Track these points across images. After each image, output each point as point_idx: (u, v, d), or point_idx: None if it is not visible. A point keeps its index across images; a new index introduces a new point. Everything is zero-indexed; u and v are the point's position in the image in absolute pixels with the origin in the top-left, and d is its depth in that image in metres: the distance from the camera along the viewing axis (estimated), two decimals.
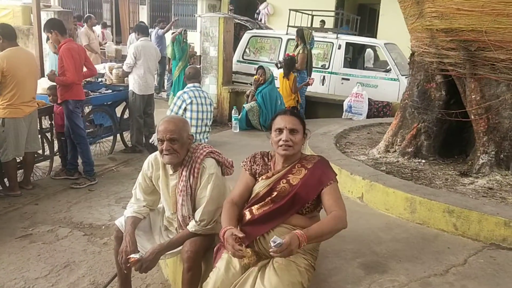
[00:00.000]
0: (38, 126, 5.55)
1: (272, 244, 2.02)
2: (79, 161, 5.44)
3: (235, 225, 2.29)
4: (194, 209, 2.67)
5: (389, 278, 2.49)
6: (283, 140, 2.32)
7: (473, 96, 3.90)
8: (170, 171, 2.70)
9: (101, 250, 3.65)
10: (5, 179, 4.85)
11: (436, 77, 4.24)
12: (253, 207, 2.38)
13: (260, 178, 2.43)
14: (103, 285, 3.06)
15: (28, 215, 4.31)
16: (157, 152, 2.70)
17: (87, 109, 6.19)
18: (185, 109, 5.26)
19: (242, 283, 2.16)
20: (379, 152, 4.49)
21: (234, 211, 2.38)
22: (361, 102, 7.55)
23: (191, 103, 5.22)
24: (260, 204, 2.36)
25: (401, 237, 3.02)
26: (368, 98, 7.63)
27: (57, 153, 5.67)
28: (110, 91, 6.63)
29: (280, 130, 2.35)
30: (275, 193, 2.34)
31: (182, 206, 2.66)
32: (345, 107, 7.62)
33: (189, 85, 5.28)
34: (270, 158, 2.51)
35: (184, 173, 2.63)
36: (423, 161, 4.20)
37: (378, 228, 3.15)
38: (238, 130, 6.62)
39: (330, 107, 8.12)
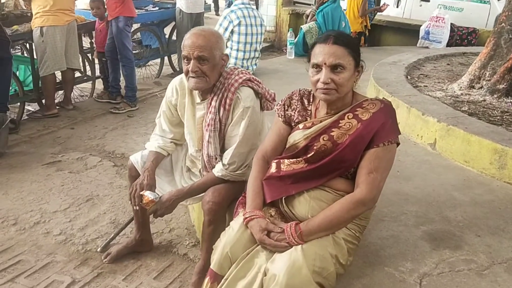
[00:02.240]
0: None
1: None
2: (122, 84, 5.10)
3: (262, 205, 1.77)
4: (222, 149, 2.16)
5: (464, 258, 1.89)
6: (321, 82, 1.63)
7: None
8: (198, 99, 2.18)
9: (128, 185, 3.31)
10: (43, 101, 4.62)
11: None
12: (282, 161, 1.79)
13: (296, 127, 1.81)
14: (121, 227, 2.72)
15: (61, 139, 4.06)
16: (184, 75, 2.15)
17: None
18: (232, 31, 4.63)
19: (257, 252, 1.64)
20: (460, 88, 3.68)
21: (263, 178, 1.83)
22: (441, 28, 6.47)
23: (239, 24, 4.57)
24: (291, 160, 1.77)
25: (484, 200, 2.35)
26: (451, 24, 6.51)
27: (99, 76, 5.35)
28: (157, 8, 6.13)
29: (318, 67, 1.65)
30: (311, 153, 1.71)
31: (209, 144, 2.15)
32: (421, 33, 6.60)
33: (236, 2, 4.59)
34: (311, 100, 1.84)
35: (213, 103, 2.09)
36: None
37: (452, 185, 2.50)
38: (293, 56, 5.92)
39: (404, 33, 7.11)
